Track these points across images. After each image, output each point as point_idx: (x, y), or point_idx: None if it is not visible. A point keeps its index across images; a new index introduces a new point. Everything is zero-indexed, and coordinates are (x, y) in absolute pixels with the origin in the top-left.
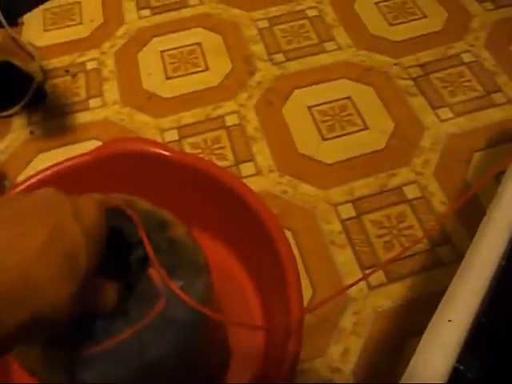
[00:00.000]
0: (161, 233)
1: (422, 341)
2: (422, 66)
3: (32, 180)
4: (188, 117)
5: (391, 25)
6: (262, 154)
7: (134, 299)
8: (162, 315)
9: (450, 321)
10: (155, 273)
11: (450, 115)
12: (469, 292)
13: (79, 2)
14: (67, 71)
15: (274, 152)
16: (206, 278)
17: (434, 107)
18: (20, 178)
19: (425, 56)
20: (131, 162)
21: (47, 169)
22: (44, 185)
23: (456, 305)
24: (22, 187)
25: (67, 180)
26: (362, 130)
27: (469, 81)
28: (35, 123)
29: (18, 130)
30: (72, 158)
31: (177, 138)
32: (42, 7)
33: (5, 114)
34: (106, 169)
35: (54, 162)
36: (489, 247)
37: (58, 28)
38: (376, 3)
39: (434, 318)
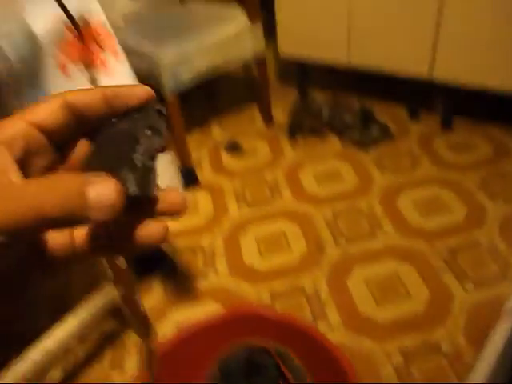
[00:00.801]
0: (288, 361)
1: None
2: (450, 248)
3: (188, 330)
4: (278, 285)
5: (424, 216)
6: (332, 314)
7: None
8: None
9: None
10: None
11: (474, 287)
12: None
13: (196, 200)
14: (191, 249)
15: (341, 313)
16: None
17: (460, 281)
18: (159, 323)
19: (453, 241)
20: (250, 320)
21: (197, 324)
22: (195, 334)
23: None
24: (179, 337)
25: (209, 331)
26: (406, 297)
27: (487, 261)
28: (170, 288)
29: (157, 290)
30: (214, 317)
31: (270, 301)
32: None
33: (147, 278)
34: (233, 324)
35: (186, 315)
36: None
37: (182, 218)
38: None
39: None
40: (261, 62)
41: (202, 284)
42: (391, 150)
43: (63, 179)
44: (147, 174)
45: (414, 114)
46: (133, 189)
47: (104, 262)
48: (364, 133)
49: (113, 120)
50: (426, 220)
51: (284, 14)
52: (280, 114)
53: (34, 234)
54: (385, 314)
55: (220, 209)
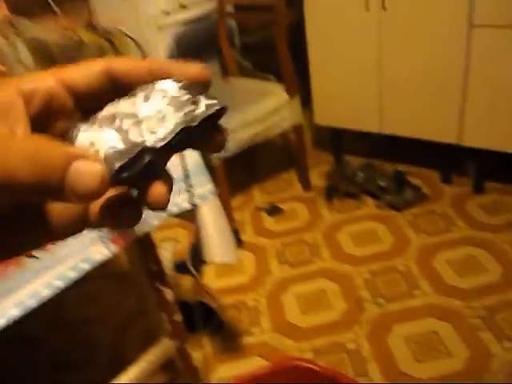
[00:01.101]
0: None
1: None
2: (487, 307)
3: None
4: (319, 342)
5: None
6: (373, 371)
7: None
8: None
9: None
10: None
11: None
12: None
13: (241, 259)
14: (236, 307)
15: (382, 369)
16: None
17: (499, 340)
18: (207, 378)
19: (489, 300)
20: (295, 372)
21: (244, 377)
22: None
23: None
24: None
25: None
26: (446, 355)
27: None
28: (218, 343)
29: (205, 345)
30: (260, 370)
31: (312, 357)
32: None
33: (195, 335)
34: (279, 376)
35: (233, 370)
36: None
37: (227, 277)
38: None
39: None
40: (298, 130)
41: (248, 340)
42: (425, 212)
43: (50, 147)
44: (151, 171)
45: (446, 178)
46: (121, 179)
47: (164, 315)
48: (398, 196)
49: (151, 86)
50: (462, 279)
51: (319, 88)
52: (317, 178)
53: None
54: (425, 371)
55: (263, 268)
